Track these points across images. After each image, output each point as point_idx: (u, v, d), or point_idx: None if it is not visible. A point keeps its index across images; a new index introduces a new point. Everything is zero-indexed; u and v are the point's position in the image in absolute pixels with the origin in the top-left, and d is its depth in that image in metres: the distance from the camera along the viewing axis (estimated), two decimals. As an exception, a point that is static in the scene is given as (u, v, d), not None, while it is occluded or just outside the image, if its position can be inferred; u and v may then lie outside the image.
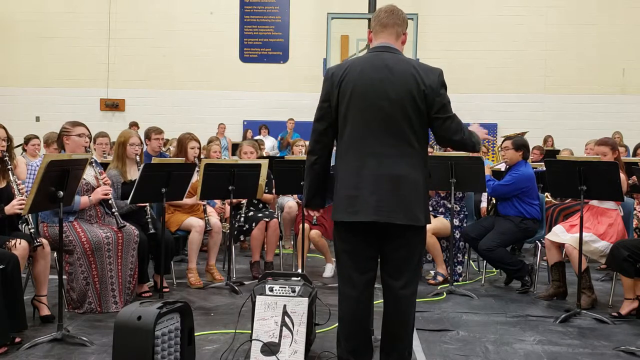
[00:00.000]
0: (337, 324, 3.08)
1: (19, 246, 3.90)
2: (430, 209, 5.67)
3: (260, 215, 5.83)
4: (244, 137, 13.22)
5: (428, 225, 3.10)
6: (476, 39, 14.17)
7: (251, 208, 5.99)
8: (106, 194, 4.51)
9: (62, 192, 3.74)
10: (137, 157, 5.12)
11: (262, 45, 14.90)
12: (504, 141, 5.77)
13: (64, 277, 4.19)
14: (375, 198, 2.84)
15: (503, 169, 5.98)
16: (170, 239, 5.14)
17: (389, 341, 3.01)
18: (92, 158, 4.51)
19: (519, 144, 5.49)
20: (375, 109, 2.87)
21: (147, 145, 6.08)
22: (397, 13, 3.03)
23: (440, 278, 5.55)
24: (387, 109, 2.85)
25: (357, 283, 2.95)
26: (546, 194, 6.13)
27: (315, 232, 5.67)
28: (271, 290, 3.53)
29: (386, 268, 2.99)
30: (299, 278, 3.68)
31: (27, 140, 7.75)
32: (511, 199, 5.43)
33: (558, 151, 9.80)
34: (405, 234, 2.91)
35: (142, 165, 4.76)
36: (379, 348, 3.07)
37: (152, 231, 4.91)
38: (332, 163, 3.14)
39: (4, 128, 4.19)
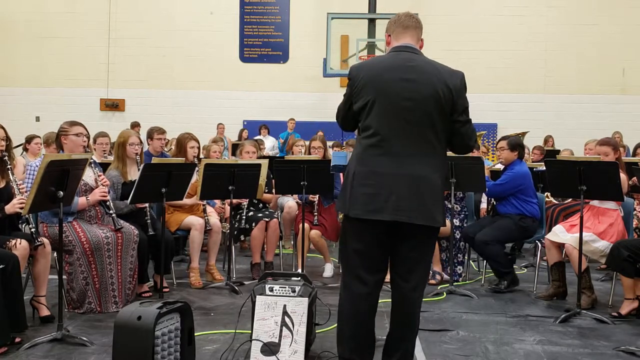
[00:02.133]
0: (337, 324, 3.06)
1: (19, 246, 3.90)
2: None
3: (260, 215, 5.83)
4: (240, 138, 13.19)
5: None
6: (476, 39, 14.16)
7: (251, 208, 5.99)
8: (104, 196, 4.51)
9: (62, 192, 3.74)
10: (137, 156, 5.11)
11: (262, 45, 14.89)
12: (499, 141, 5.77)
13: (64, 277, 4.19)
14: (395, 198, 2.82)
15: (502, 169, 5.97)
16: (170, 239, 5.14)
17: (393, 341, 3.01)
18: (91, 158, 4.50)
19: (514, 143, 5.49)
20: (398, 109, 2.85)
21: (149, 145, 6.07)
22: (417, 17, 3.10)
23: (437, 277, 5.55)
24: (410, 109, 2.84)
25: (368, 282, 2.93)
26: (546, 193, 6.12)
27: (315, 232, 5.66)
28: (271, 290, 3.53)
29: (397, 269, 2.98)
30: (299, 278, 3.68)
31: (29, 139, 7.79)
32: (509, 198, 5.43)
33: (558, 151, 9.79)
34: (419, 235, 2.90)
35: (142, 165, 4.76)
36: (379, 347, 3.07)
37: (151, 232, 4.90)
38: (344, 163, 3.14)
39: (2, 128, 4.18)
